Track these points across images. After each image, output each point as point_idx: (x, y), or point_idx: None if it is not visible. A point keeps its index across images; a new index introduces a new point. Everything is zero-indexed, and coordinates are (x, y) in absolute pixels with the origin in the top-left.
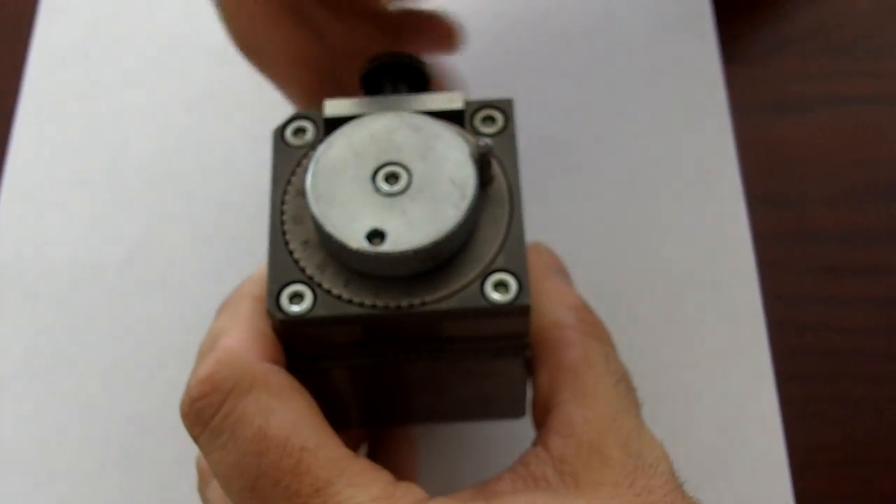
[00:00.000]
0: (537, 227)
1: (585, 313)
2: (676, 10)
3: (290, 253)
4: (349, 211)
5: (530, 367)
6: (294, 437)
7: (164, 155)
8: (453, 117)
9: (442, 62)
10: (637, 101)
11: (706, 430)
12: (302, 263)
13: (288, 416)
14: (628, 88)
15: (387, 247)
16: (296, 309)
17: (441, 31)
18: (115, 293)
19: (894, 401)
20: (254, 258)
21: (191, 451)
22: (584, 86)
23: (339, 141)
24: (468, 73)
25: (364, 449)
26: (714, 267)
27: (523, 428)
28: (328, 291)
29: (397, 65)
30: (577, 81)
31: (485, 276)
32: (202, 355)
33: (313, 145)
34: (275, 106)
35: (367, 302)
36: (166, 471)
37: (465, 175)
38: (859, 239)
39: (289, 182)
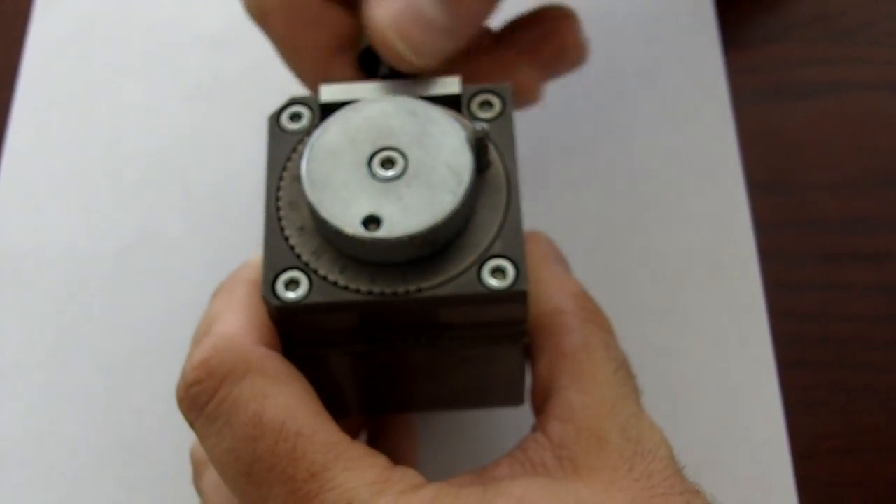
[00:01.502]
0: (536, 214)
1: (585, 300)
2: None
3: (286, 239)
4: (345, 196)
5: (529, 354)
6: (290, 422)
7: (161, 146)
8: (450, 102)
9: None
10: (637, 88)
11: (707, 418)
12: (297, 250)
13: (283, 401)
14: (628, 75)
15: (382, 233)
16: (291, 295)
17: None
18: (112, 285)
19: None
20: (251, 248)
21: (188, 440)
22: (583, 73)
23: (334, 126)
24: None
25: (363, 436)
26: (715, 254)
27: (522, 414)
28: (324, 278)
29: None
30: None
31: (482, 262)
32: (197, 340)
33: (309, 130)
34: (272, 96)
35: (363, 288)
36: (164, 462)
37: (462, 160)
38: (861, 226)
39: (284, 168)
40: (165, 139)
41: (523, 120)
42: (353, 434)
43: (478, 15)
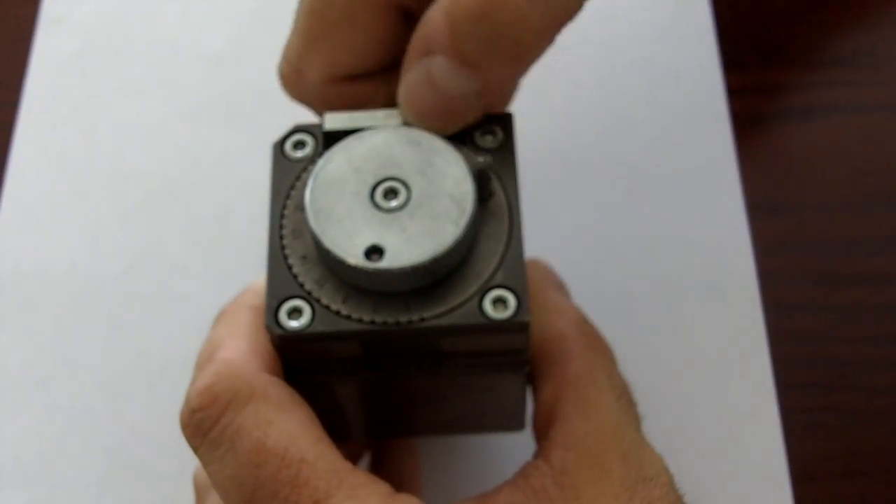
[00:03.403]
0: (537, 235)
1: (587, 327)
2: (676, 19)
3: (289, 268)
4: (348, 226)
5: (531, 380)
6: (293, 448)
7: (163, 166)
8: None
9: None
10: (637, 110)
11: (706, 440)
12: (300, 278)
13: (286, 427)
14: (629, 97)
15: (385, 263)
16: (294, 324)
17: None
18: (114, 305)
19: (895, 410)
20: (254, 269)
21: (190, 463)
22: (583, 94)
23: (338, 155)
24: None
25: (367, 459)
26: (714, 275)
27: (525, 440)
28: (327, 307)
29: None
30: (577, 90)
31: (483, 292)
32: (200, 366)
33: (313, 159)
34: (274, 116)
35: (366, 318)
36: (166, 483)
37: (464, 191)
38: (860, 247)
39: (288, 196)
40: (167, 159)
41: (523, 141)
42: (356, 458)
43: (504, 82)
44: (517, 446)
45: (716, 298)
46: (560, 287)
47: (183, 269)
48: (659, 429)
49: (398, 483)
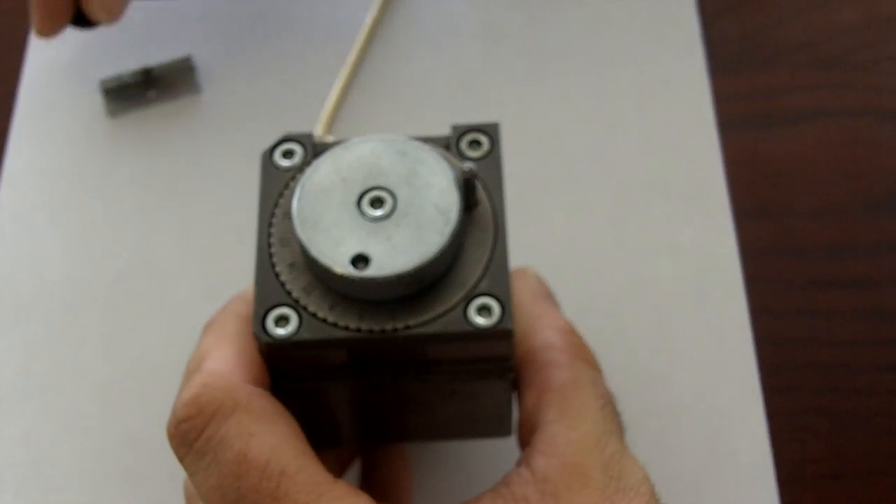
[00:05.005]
0: (525, 242)
1: (574, 337)
2: (663, 24)
3: (277, 275)
4: (334, 235)
5: (517, 387)
6: (274, 460)
7: (156, 173)
8: (440, 141)
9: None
10: (624, 115)
11: (694, 444)
12: (288, 286)
13: (268, 439)
14: (615, 103)
15: (371, 272)
16: (281, 332)
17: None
18: (107, 312)
19: (881, 413)
20: (246, 276)
21: (181, 470)
22: (570, 100)
23: (325, 165)
24: (455, 89)
25: (357, 466)
26: (701, 281)
27: (512, 446)
28: (314, 315)
29: None
30: (564, 96)
31: (468, 300)
32: (188, 376)
33: (301, 168)
34: (267, 125)
35: (352, 325)
36: (159, 490)
37: (450, 201)
38: (846, 252)
39: (276, 204)
40: (162, 166)
41: (510, 148)
42: (347, 466)
43: None
44: (504, 453)
45: (703, 303)
46: (549, 297)
47: (174, 276)
48: (647, 433)
49: (388, 491)
